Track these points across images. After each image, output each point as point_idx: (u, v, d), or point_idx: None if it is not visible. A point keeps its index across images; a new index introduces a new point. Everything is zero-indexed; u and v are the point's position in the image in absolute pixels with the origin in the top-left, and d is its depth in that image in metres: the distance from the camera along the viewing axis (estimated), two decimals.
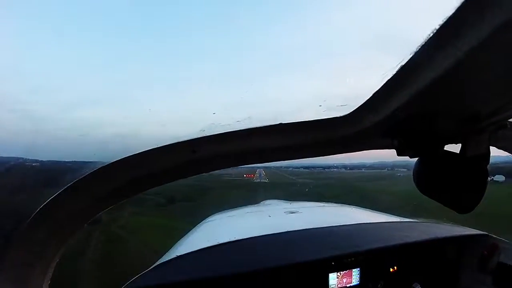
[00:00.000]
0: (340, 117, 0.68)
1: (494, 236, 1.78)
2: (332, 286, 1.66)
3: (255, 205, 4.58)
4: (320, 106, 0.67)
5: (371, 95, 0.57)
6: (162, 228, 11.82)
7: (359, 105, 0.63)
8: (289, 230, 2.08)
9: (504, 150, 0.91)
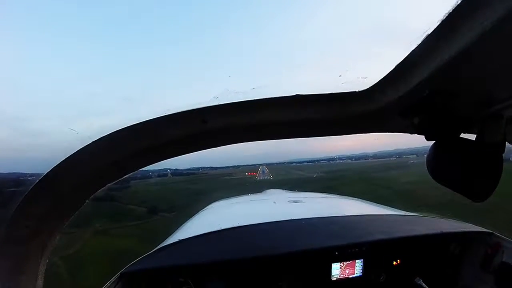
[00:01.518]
0: (360, 91, 0.68)
1: (498, 234, 1.74)
2: (334, 276, 1.67)
3: (259, 193, 4.52)
4: (340, 76, 0.67)
5: (392, 68, 0.58)
6: (122, 256, 9.36)
7: (380, 79, 0.63)
8: (292, 218, 2.07)
9: None
